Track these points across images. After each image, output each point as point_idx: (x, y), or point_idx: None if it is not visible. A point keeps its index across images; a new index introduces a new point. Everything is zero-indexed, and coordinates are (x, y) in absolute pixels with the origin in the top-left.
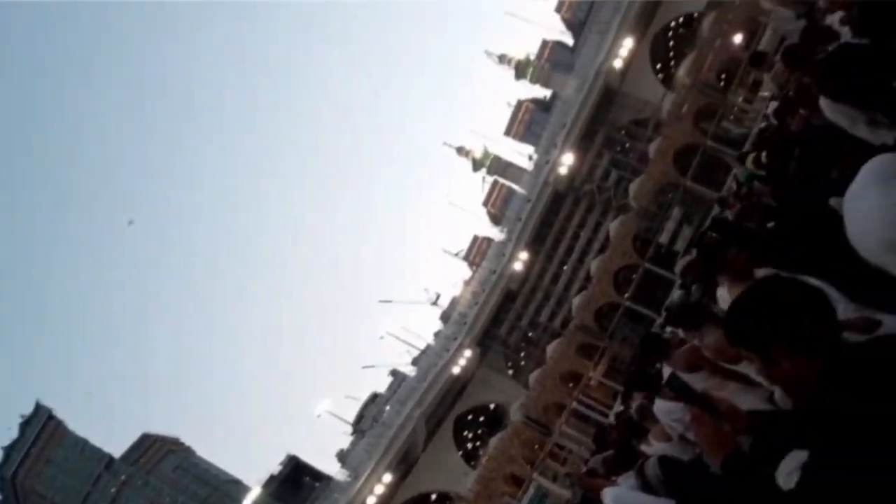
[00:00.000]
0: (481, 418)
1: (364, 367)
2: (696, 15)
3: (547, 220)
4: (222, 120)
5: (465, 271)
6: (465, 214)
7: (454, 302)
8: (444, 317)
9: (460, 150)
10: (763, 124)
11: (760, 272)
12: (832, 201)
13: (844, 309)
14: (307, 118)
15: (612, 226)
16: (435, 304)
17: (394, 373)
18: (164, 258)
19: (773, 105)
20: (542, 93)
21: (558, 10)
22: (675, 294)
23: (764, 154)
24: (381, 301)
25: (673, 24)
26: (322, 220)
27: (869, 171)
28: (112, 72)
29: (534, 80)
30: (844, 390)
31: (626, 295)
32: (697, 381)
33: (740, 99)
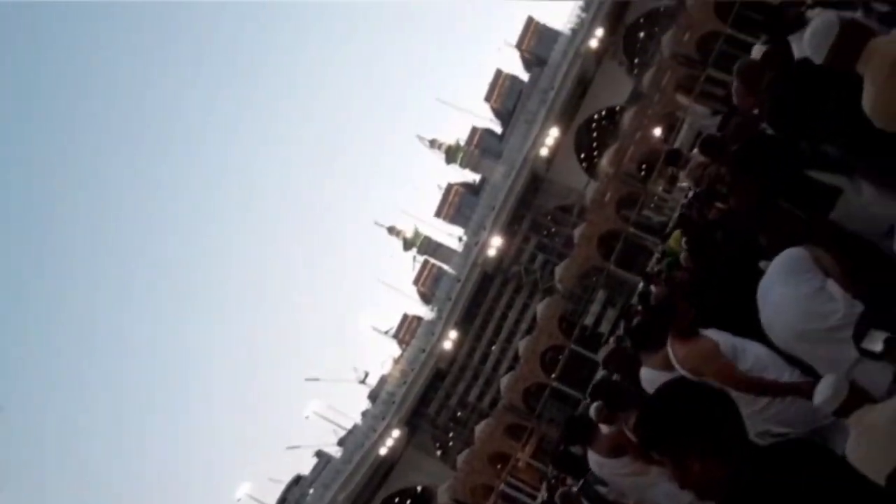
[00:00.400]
0: (408, 502)
1: (288, 448)
2: (617, 108)
3: (476, 300)
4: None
5: (394, 350)
6: (396, 293)
7: (383, 380)
8: (373, 396)
9: (391, 230)
10: (683, 211)
11: (707, 332)
12: (762, 264)
13: (791, 374)
14: (237, 195)
15: (539, 307)
16: (363, 382)
17: (319, 454)
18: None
19: (693, 192)
20: (472, 177)
21: (487, 99)
22: (599, 376)
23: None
24: (307, 379)
25: (596, 116)
26: (250, 295)
27: (780, 264)
28: None
29: (463, 165)
30: (753, 493)
31: (553, 375)
32: (621, 466)
33: (660, 189)
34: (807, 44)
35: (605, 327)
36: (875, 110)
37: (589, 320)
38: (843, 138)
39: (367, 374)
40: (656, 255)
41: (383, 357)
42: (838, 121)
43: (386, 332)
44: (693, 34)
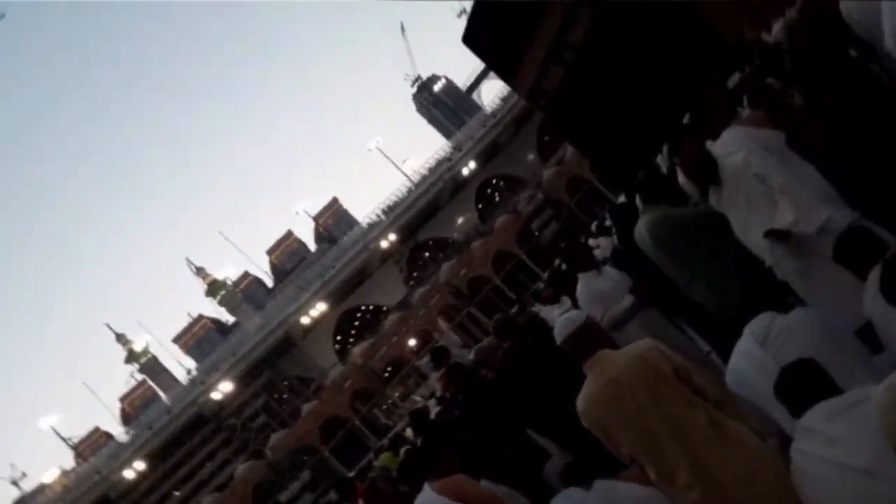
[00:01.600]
0: None
1: None
2: (384, 308)
3: (179, 438)
4: None
5: (68, 461)
6: (96, 403)
7: (40, 489)
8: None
9: (120, 338)
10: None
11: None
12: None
13: None
14: None
15: (240, 468)
16: (15, 484)
17: None
18: None
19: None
20: (227, 318)
21: (270, 253)
22: None
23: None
24: None
25: (363, 307)
26: None
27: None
28: None
29: (222, 304)
30: None
31: None
32: None
33: (397, 394)
34: (555, 329)
35: None
36: (583, 413)
37: (285, 496)
38: (552, 422)
39: (23, 475)
40: (373, 451)
41: (53, 465)
42: (550, 406)
43: (66, 440)
44: (468, 273)
